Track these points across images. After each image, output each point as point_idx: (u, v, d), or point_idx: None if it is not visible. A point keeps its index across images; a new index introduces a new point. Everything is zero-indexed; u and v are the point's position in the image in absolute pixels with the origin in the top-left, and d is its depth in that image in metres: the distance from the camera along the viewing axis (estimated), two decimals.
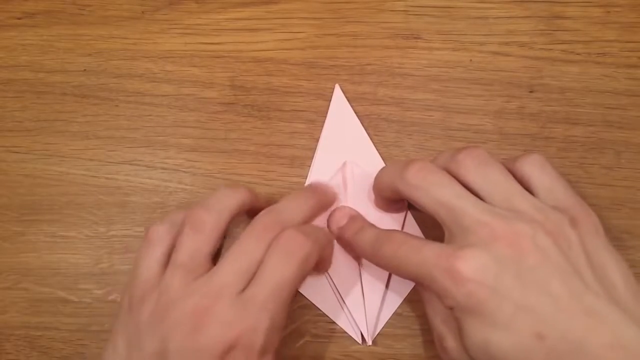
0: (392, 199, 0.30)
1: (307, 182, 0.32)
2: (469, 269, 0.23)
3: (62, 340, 0.31)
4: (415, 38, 0.34)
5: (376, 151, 0.32)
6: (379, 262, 0.27)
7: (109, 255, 0.32)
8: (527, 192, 0.25)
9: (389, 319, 0.30)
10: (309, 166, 0.33)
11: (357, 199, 0.31)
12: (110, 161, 0.33)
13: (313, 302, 0.31)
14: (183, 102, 0.34)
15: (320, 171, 0.32)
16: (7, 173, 0.33)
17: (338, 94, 0.33)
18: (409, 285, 0.30)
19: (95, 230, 0.32)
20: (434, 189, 0.25)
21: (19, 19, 0.35)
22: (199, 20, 0.35)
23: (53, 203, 0.33)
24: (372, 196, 0.31)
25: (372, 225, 0.29)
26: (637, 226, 0.31)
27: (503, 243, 0.23)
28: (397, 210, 0.31)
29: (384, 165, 0.32)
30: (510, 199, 0.25)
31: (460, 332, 0.24)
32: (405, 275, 0.26)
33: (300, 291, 0.31)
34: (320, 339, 0.31)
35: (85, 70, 0.35)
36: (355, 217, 0.30)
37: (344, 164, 0.32)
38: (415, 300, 0.31)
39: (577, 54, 0.33)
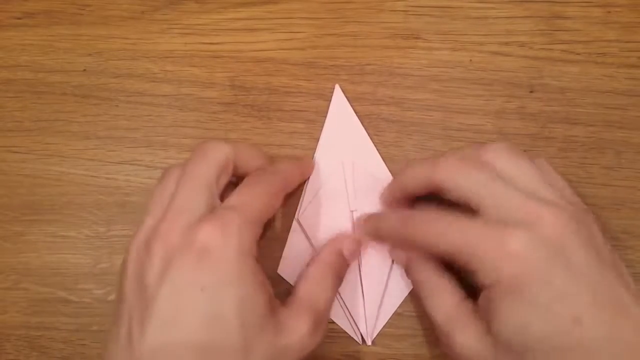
0: (407, 199, 0.30)
1: (307, 184, 0.32)
2: (520, 246, 0.23)
3: (62, 340, 0.31)
4: (415, 38, 0.34)
5: (376, 151, 0.32)
6: (411, 242, 0.27)
7: (109, 255, 0.32)
8: (550, 186, 0.25)
9: (389, 319, 0.30)
10: None
11: (358, 198, 0.31)
12: (110, 161, 0.33)
13: None
14: (183, 102, 0.34)
15: (319, 171, 0.32)
16: (7, 173, 0.33)
17: (338, 94, 0.33)
18: (408, 286, 0.30)
19: (95, 230, 0.32)
20: (475, 174, 0.25)
21: (19, 19, 0.35)
22: (199, 20, 0.35)
23: (53, 203, 0.33)
24: (374, 196, 0.31)
25: (389, 211, 0.30)
26: (637, 226, 0.31)
27: (550, 228, 0.23)
28: None
29: (384, 165, 0.32)
30: (539, 190, 0.25)
31: (493, 315, 0.23)
32: (440, 251, 0.25)
33: None
34: None
35: (85, 70, 0.35)
36: (370, 219, 0.30)
37: (345, 163, 0.32)
38: (415, 300, 0.31)
39: (577, 54, 0.33)
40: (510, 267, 0.23)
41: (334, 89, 0.33)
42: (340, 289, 0.30)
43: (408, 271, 0.29)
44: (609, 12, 0.34)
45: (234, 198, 0.26)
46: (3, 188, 0.33)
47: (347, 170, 0.32)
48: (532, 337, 0.22)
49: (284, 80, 0.34)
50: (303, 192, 0.32)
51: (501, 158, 0.26)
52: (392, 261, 0.31)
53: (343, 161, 0.32)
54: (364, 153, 0.32)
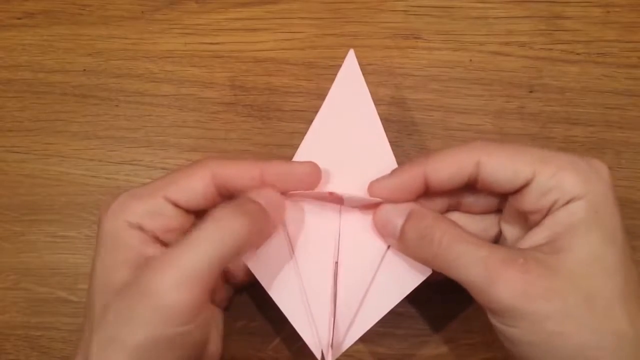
0: (418, 194, 0.25)
1: (296, 155, 0.27)
2: (607, 173, 0.24)
3: (62, 340, 0.31)
4: (415, 38, 0.34)
5: (385, 135, 0.27)
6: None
7: None
8: None
9: (388, 319, 0.30)
10: None
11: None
12: (110, 161, 0.33)
13: (276, 302, 0.25)
14: (183, 102, 0.34)
15: (311, 149, 0.27)
16: (7, 173, 0.33)
17: (351, 59, 0.27)
18: (401, 289, 0.25)
19: (95, 230, 0.32)
20: (514, 146, 0.24)
21: (19, 19, 0.35)
22: (199, 20, 0.35)
23: (53, 203, 0.33)
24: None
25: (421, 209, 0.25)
26: (637, 226, 0.31)
27: (608, 178, 0.25)
28: None
29: (390, 150, 0.27)
30: None
31: (572, 234, 0.23)
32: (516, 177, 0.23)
33: (264, 287, 0.25)
34: None
35: (85, 70, 0.35)
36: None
37: (343, 143, 0.26)
38: (415, 300, 0.31)
39: (577, 54, 0.33)
40: (599, 186, 0.23)
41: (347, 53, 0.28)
42: (306, 283, 0.25)
43: (410, 228, 0.24)
44: (609, 12, 0.34)
45: None
46: (3, 188, 0.33)
47: (344, 149, 0.27)
48: (605, 272, 0.22)
49: (284, 80, 0.34)
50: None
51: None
52: (385, 253, 0.25)
53: (341, 140, 0.27)
54: (369, 135, 0.27)
